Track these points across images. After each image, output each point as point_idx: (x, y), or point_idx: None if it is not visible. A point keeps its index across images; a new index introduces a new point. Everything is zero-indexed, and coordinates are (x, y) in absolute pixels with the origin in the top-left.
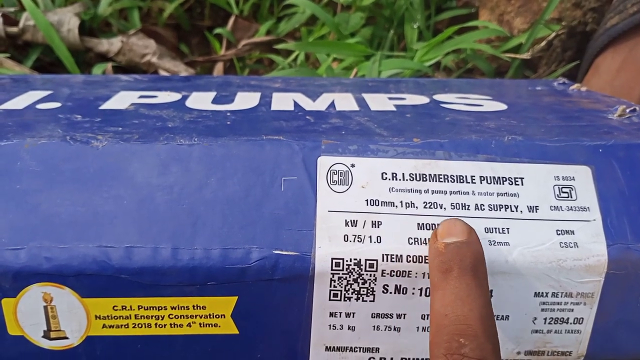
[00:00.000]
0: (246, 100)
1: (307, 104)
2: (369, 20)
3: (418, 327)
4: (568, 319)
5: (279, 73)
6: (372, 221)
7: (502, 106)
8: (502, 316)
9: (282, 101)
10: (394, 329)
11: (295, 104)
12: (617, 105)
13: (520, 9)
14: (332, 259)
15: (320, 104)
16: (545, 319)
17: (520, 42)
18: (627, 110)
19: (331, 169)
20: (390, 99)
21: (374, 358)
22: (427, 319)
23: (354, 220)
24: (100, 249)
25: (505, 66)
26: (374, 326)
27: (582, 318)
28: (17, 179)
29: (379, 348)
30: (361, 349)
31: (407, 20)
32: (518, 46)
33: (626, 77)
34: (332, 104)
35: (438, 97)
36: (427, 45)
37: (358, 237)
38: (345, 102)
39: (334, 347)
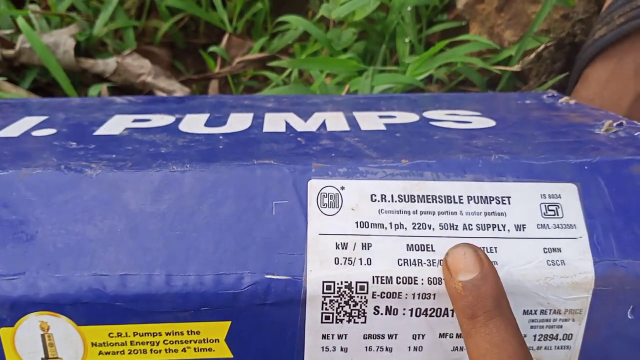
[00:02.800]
0: (239, 121)
1: (298, 124)
2: (361, 35)
3: (409, 347)
4: (557, 335)
5: (272, 90)
6: (362, 243)
7: (490, 122)
8: None
9: (274, 122)
10: (386, 349)
11: (287, 125)
12: (604, 119)
13: (510, 22)
14: (323, 282)
15: (312, 124)
16: (534, 335)
17: (510, 55)
18: (614, 125)
19: (321, 192)
20: (380, 117)
21: None
22: (418, 338)
23: (344, 243)
24: (95, 277)
25: (497, 78)
26: (366, 347)
27: (572, 334)
28: (12, 209)
29: None
30: None
31: (399, 34)
32: (508, 58)
33: (615, 87)
34: (323, 124)
35: (428, 114)
36: (419, 59)
37: (348, 260)
38: (336, 121)
39: None
